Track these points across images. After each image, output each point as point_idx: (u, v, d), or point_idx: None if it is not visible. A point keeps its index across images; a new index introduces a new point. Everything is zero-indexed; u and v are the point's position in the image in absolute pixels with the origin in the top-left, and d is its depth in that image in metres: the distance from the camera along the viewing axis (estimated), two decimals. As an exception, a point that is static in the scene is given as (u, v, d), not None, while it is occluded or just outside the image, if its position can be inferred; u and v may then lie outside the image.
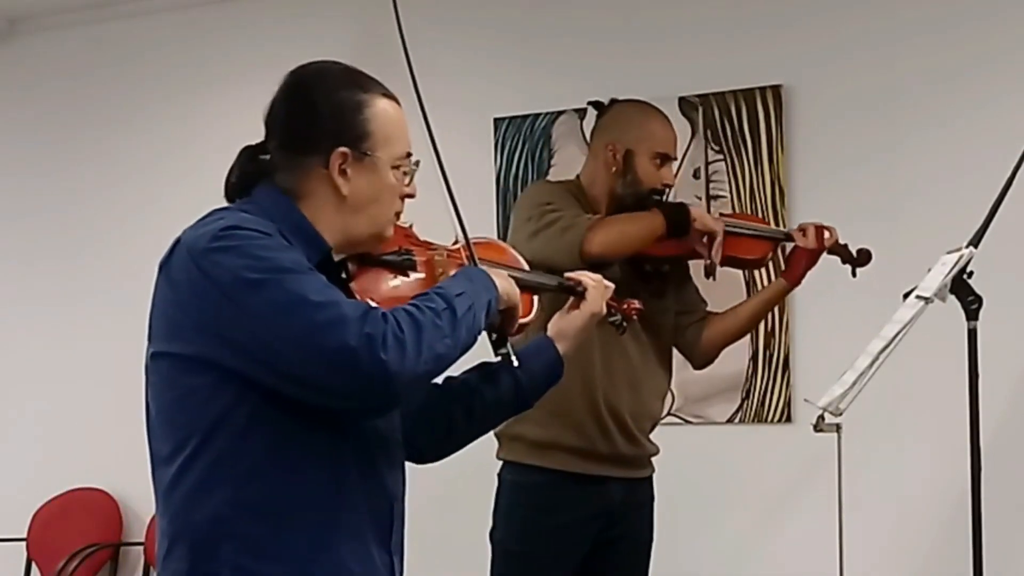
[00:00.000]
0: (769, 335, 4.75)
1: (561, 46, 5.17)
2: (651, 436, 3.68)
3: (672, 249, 3.55)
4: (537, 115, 5.16)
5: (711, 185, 4.86)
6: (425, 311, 2.02)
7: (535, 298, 2.45)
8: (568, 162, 5.01)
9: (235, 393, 1.99)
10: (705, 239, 3.48)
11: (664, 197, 3.57)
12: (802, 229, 3.62)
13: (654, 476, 3.73)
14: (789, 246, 3.67)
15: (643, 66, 4.99)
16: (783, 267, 3.72)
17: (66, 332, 6.04)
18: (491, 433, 3.59)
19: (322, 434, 2.05)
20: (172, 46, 5.95)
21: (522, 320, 2.36)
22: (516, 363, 2.30)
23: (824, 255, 3.65)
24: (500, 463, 3.60)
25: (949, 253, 3.39)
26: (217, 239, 2.00)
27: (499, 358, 2.30)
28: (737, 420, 4.83)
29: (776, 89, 4.79)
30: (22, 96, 6.35)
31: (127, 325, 5.53)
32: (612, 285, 2.55)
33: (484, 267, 2.25)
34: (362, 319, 1.94)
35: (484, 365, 2.39)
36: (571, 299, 2.50)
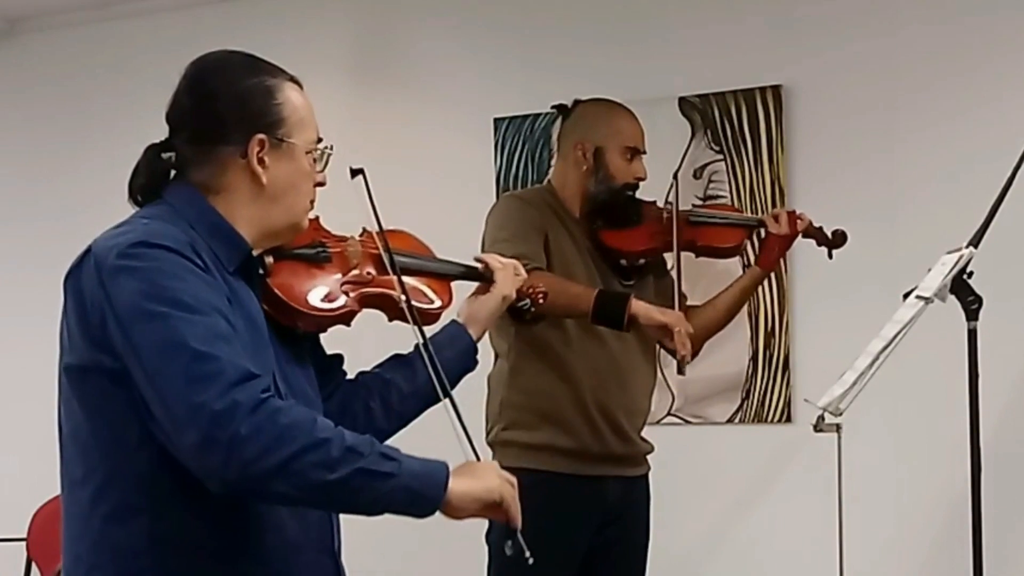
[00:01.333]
0: (769, 335, 4.75)
1: (561, 47, 5.16)
2: (646, 434, 3.68)
3: (644, 243, 3.56)
4: (537, 115, 5.16)
5: (711, 185, 4.86)
6: (330, 434, 1.89)
7: (451, 285, 2.44)
8: (568, 162, 5.01)
9: (139, 418, 1.91)
10: (663, 332, 3.40)
11: (636, 191, 3.58)
12: (774, 215, 3.62)
13: (652, 475, 3.73)
14: (764, 233, 3.66)
15: (643, 66, 4.99)
16: (756, 254, 3.73)
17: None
18: (484, 443, 3.62)
19: None
20: (172, 46, 5.93)
21: (443, 305, 2.38)
22: (530, 560, 2.21)
23: (800, 239, 3.66)
24: None
25: (949, 253, 3.40)
26: (124, 256, 1.93)
27: (509, 552, 2.22)
28: (737, 420, 4.83)
29: (776, 89, 4.78)
30: (21, 96, 6.34)
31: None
32: (523, 272, 2.52)
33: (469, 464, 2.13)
34: (236, 384, 1.84)
35: (396, 356, 2.35)
36: (479, 283, 2.49)
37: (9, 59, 6.34)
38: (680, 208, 3.61)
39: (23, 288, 6.24)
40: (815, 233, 3.66)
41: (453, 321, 2.43)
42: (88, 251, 2.00)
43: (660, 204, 3.66)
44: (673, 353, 3.44)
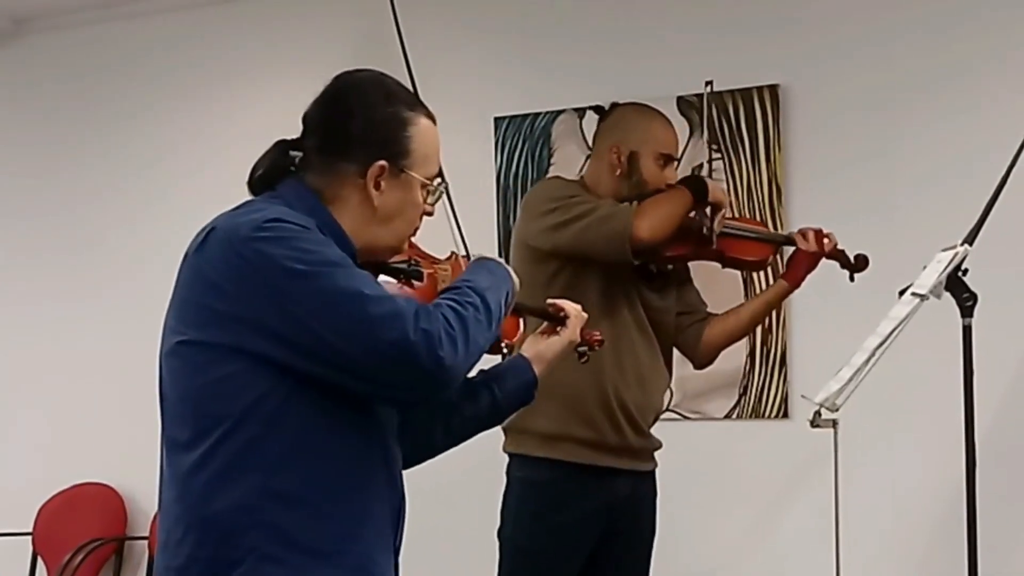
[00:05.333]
0: (766, 332, 4.75)
1: (561, 47, 5.16)
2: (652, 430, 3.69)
3: (678, 250, 3.56)
4: (537, 114, 5.16)
5: (709, 183, 4.86)
6: (467, 307, 2.06)
7: (520, 320, 2.50)
8: (567, 160, 5.01)
9: (268, 383, 1.98)
10: (709, 210, 3.52)
11: None
12: (802, 233, 3.63)
13: (656, 470, 3.74)
14: (789, 250, 3.68)
15: (642, 66, 4.99)
16: (783, 270, 3.73)
17: (72, 329, 6.04)
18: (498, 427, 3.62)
19: (351, 427, 2.05)
20: (176, 45, 5.95)
21: (513, 340, 2.42)
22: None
23: (823, 260, 3.66)
24: (507, 458, 3.60)
25: (944, 251, 3.40)
26: (261, 229, 1.98)
27: (503, 355, 2.36)
28: (735, 416, 4.83)
29: (773, 89, 4.78)
30: (28, 95, 6.35)
31: (132, 322, 5.56)
32: (586, 315, 2.55)
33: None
34: (417, 315, 1.95)
35: (465, 381, 2.36)
36: (546, 324, 2.50)
37: (16, 58, 6.35)
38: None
39: (29, 284, 6.25)
40: (839, 255, 3.68)
41: (520, 355, 2.46)
42: (211, 231, 2.04)
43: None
44: (706, 224, 3.53)
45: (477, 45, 5.37)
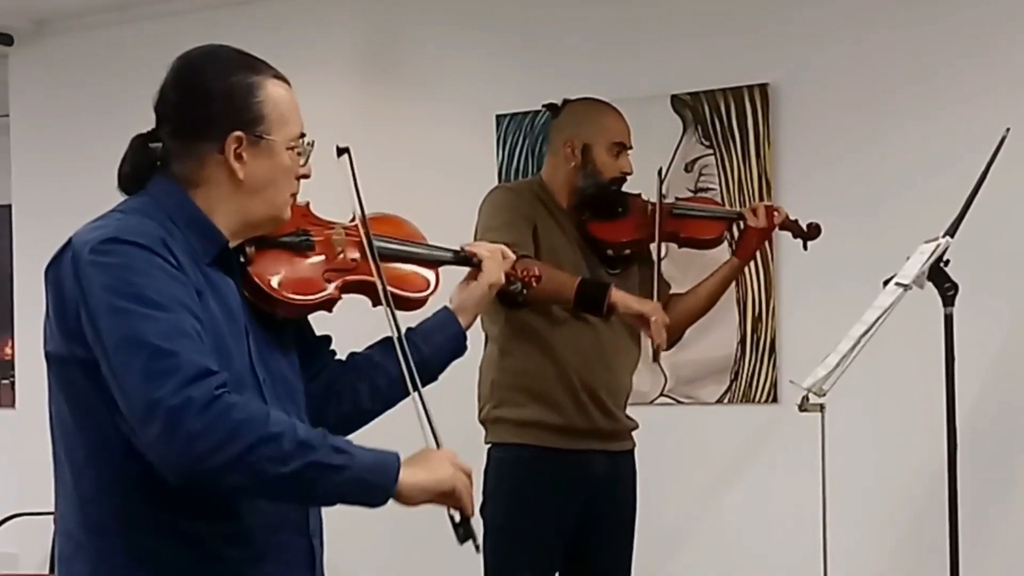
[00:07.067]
0: (756, 320, 4.76)
1: (560, 47, 5.17)
2: (636, 413, 3.69)
3: (629, 234, 3.57)
4: (537, 112, 5.15)
5: (701, 178, 4.87)
6: (282, 428, 1.86)
7: (439, 270, 2.37)
8: (566, 156, 5.02)
9: (109, 408, 1.90)
10: (639, 321, 3.43)
11: (623, 185, 3.60)
12: (752, 209, 3.63)
13: (645, 453, 3.74)
14: (743, 226, 3.66)
15: (638, 66, 4.99)
16: (735, 247, 3.75)
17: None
18: (476, 422, 3.63)
19: None
20: (190, 47, 5.94)
21: (428, 292, 2.32)
22: (480, 548, 2.10)
23: (776, 231, 3.67)
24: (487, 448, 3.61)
25: (927, 243, 3.41)
26: (96, 252, 1.91)
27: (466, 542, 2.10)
28: (726, 400, 4.84)
29: (763, 88, 4.79)
30: (48, 95, 6.35)
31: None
32: (512, 255, 2.48)
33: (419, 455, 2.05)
34: (192, 380, 1.82)
35: (387, 340, 2.27)
36: (469, 271, 2.43)
37: (36, 59, 6.35)
38: (664, 202, 3.62)
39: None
40: (791, 226, 3.67)
41: (444, 308, 2.38)
42: (68, 244, 1.98)
43: (646, 197, 3.67)
44: (651, 341, 3.46)
45: (479, 45, 5.37)
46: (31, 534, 6.00)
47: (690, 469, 4.84)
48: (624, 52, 5.03)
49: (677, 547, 4.83)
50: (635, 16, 5.06)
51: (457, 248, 2.44)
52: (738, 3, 4.90)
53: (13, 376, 6.56)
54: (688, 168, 4.88)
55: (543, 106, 3.82)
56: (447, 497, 2.02)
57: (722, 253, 4.03)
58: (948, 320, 3.33)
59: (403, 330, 2.23)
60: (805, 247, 3.70)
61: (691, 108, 4.89)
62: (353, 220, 2.26)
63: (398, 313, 2.24)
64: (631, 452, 3.68)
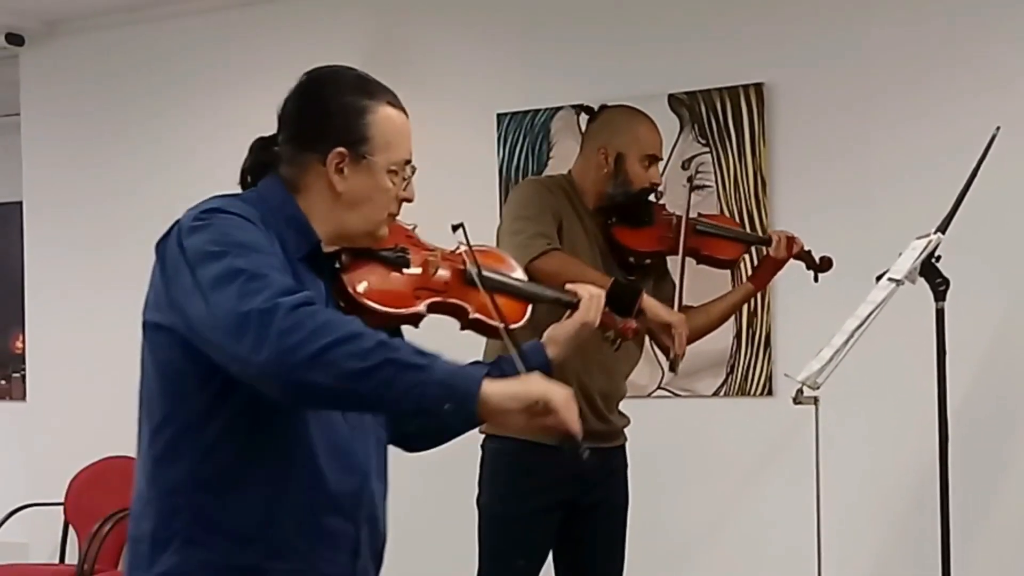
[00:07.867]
0: (752, 315, 4.77)
1: (560, 47, 5.18)
2: (633, 407, 3.69)
3: (653, 244, 3.57)
4: (537, 111, 5.17)
5: (698, 175, 4.88)
6: (363, 335, 1.90)
7: (529, 307, 2.41)
8: (566, 155, 5.01)
9: (204, 373, 1.97)
10: (662, 329, 3.41)
11: (653, 195, 3.59)
12: (777, 238, 3.61)
13: (643, 445, 3.75)
14: (764, 252, 3.65)
15: (636, 65, 5.00)
16: (751, 272, 3.74)
17: (105, 314, 6.05)
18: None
19: (281, 414, 2.01)
20: (200, 47, 5.96)
21: (513, 325, 2.34)
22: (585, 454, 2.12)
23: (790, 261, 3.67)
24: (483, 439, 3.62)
25: (919, 238, 3.42)
26: (197, 219, 2.01)
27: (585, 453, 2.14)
28: (722, 393, 4.85)
29: (758, 87, 4.80)
30: (59, 95, 6.36)
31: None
32: (603, 298, 2.50)
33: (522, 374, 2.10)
34: (282, 293, 1.89)
35: (478, 364, 2.27)
36: (568, 310, 2.47)
37: (47, 59, 6.36)
38: (689, 217, 3.62)
39: (63, 272, 6.28)
40: (805, 257, 3.65)
41: (536, 339, 2.43)
42: (176, 221, 2.07)
43: (671, 210, 3.65)
44: (667, 351, 3.46)
45: (480, 45, 5.38)
46: (41, 525, 6.02)
47: (686, 461, 4.85)
48: (623, 52, 5.04)
49: (672, 538, 4.84)
50: (633, 16, 5.07)
51: (559, 290, 2.49)
52: (734, 4, 4.91)
53: (23, 370, 6.57)
54: (685, 166, 4.89)
55: (580, 108, 3.80)
56: (543, 414, 2.03)
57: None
58: (940, 315, 3.34)
59: (499, 357, 2.31)
60: (816, 279, 3.68)
61: (688, 107, 4.91)
62: (455, 250, 2.32)
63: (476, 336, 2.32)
64: (622, 447, 3.69)
